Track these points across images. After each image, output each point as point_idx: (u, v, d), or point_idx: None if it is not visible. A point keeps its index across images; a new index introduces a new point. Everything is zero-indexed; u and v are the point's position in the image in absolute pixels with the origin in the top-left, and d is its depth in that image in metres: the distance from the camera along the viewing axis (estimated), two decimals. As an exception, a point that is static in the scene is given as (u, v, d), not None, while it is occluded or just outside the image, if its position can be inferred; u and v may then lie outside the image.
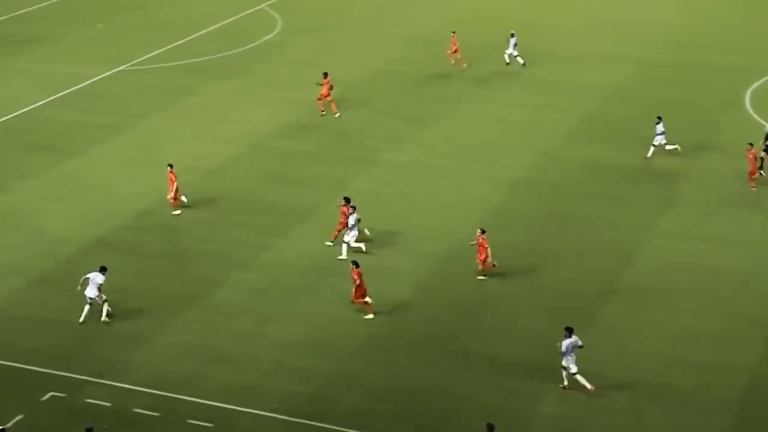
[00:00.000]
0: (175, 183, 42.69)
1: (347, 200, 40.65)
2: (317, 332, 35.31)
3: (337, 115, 52.50)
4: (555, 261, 39.69)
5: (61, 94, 55.66)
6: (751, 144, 45.31)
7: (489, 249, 38.18)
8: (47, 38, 64.83)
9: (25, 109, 53.47)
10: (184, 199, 43.04)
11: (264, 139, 50.27)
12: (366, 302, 36.07)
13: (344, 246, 39.76)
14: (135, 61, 60.46)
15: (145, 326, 35.51)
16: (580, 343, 32.43)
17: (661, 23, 68.31)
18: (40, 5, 71.69)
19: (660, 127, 47.89)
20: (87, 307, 35.40)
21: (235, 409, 31.55)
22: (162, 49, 62.40)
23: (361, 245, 39.94)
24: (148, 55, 61.48)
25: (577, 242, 41.10)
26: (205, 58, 60.80)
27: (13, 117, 52.67)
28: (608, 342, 34.85)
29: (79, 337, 34.84)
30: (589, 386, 32.24)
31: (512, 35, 59.89)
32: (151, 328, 35.38)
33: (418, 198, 44.56)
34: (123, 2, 72.17)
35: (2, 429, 28.83)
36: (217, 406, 31.63)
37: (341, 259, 39.41)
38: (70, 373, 32.88)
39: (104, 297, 35.38)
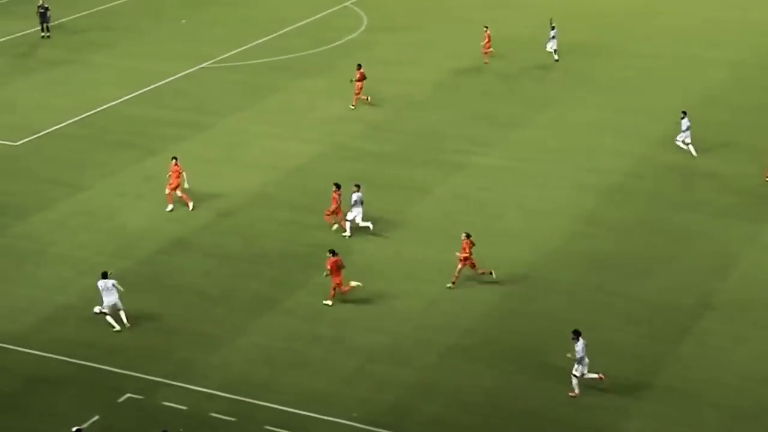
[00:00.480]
0: (181, 175, 42.98)
1: (338, 186, 41.35)
2: (398, 339, 35.23)
3: (369, 99, 53.59)
4: (647, 272, 39.14)
5: (142, 90, 56.34)
6: None
7: (471, 255, 37.64)
8: (129, 34, 65.74)
9: (105, 106, 54.19)
10: (179, 193, 43.21)
11: (347, 140, 50.37)
12: (337, 290, 36.60)
13: (348, 224, 41.10)
14: (217, 58, 60.98)
15: (222, 328, 35.73)
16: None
17: (758, 23, 67.12)
18: (123, 0, 72.63)
19: (685, 123, 47.71)
20: (122, 313, 35.48)
21: (313, 416, 31.56)
22: (245, 47, 62.87)
23: (369, 224, 41.13)
24: (230, 53, 61.98)
25: (670, 253, 40.48)
26: (289, 55, 61.09)
27: (94, 113, 53.39)
28: (703, 358, 34.22)
29: (156, 338, 35.18)
30: (576, 391, 32.24)
31: (552, 27, 59.98)
32: (228, 331, 35.59)
33: (505, 204, 44.31)
34: None
35: (78, 429, 29.21)
36: (295, 413, 31.67)
37: (345, 236, 40.92)
38: (147, 374, 33.21)
39: (104, 310, 35.33)
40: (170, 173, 43.29)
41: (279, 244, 40.99)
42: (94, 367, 33.61)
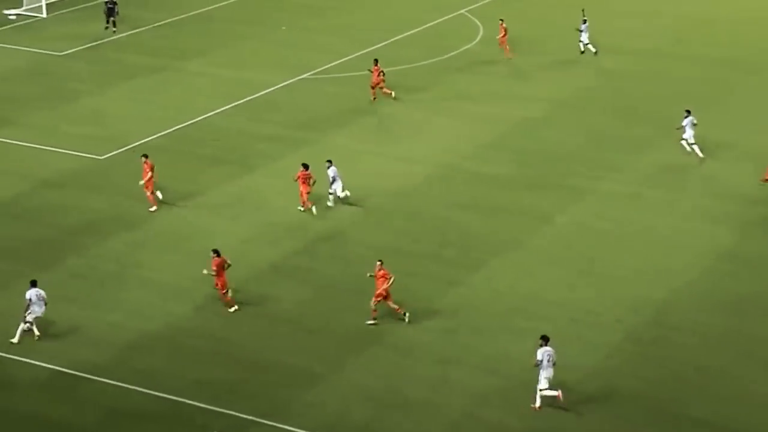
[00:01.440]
0: (150, 175, 44.94)
1: (306, 166, 44.84)
2: (510, 382, 34.76)
3: (393, 95, 55.96)
4: (794, 316, 38.16)
5: (238, 102, 56.79)
6: None
7: (388, 287, 37.46)
8: (226, 40, 66.46)
9: (199, 118, 54.75)
10: (159, 195, 45.20)
11: (457, 160, 50.16)
12: (225, 294, 37.90)
13: (331, 196, 45.02)
14: (319, 69, 61.26)
15: (318, 363, 35.64)
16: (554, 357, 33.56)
17: None
18: (220, 4, 73.54)
19: (687, 121, 49.31)
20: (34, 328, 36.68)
21: (416, 464, 31.33)
22: (350, 56, 63.06)
23: (347, 192, 45.19)
24: (334, 63, 62.21)
25: (818, 294, 39.42)
26: (398, 67, 61.08)
27: (188, 126, 53.91)
28: None
29: (247, 371, 35.20)
30: (555, 393, 33.18)
31: (584, 21, 61.75)
32: (324, 366, 35.48)
33: (631, 235, 43.65)
34: (311, 3, 73.42)
35: None
36: (396, 460, 31.46)
37: (329, 206, 45.13)
38: (236, 411, 33.21)
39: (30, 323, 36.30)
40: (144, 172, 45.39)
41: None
42: (180, 401, 33.74)
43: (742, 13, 71.30)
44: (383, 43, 65.28)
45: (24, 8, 70.89)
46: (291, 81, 59.60)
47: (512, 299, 39.13)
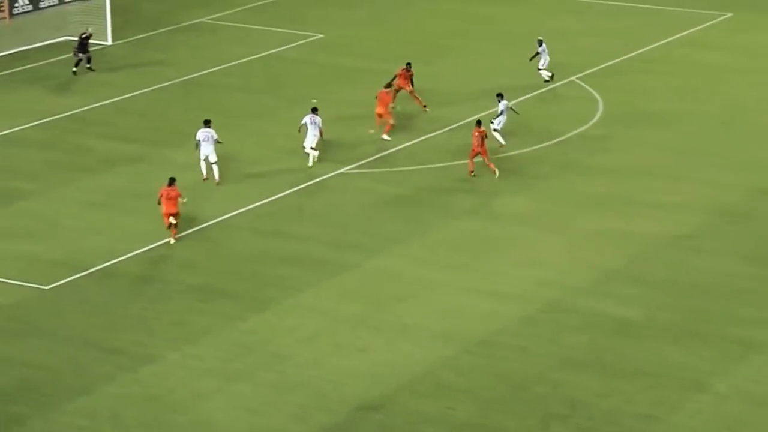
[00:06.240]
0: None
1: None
2: None
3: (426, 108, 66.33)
4: None
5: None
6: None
7: None
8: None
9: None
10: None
11: (568, 296, 48.65)
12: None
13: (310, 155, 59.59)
14: (368, 160, 59.65)
15: None
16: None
17: None
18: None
19: (502, 105, 60.38)
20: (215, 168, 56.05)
21: None
22: (394, 148, 61.19)
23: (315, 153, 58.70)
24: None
25: None
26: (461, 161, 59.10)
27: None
28: None
29: None
30: None
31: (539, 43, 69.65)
32: None
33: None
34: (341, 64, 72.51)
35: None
36: None
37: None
38: None
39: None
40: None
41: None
42: None
43: None
44: (448, 128, 64.55)
45: None
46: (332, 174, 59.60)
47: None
